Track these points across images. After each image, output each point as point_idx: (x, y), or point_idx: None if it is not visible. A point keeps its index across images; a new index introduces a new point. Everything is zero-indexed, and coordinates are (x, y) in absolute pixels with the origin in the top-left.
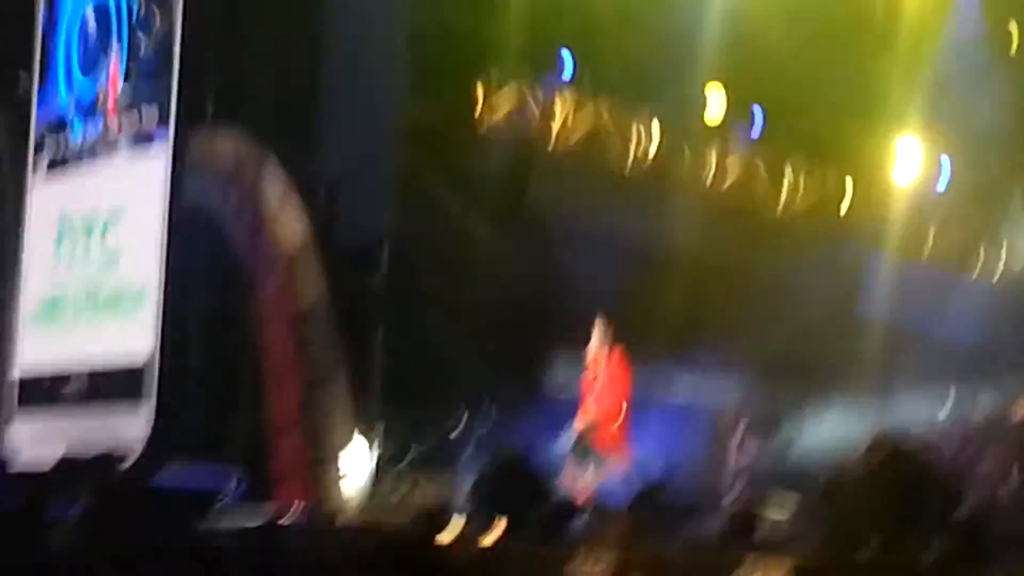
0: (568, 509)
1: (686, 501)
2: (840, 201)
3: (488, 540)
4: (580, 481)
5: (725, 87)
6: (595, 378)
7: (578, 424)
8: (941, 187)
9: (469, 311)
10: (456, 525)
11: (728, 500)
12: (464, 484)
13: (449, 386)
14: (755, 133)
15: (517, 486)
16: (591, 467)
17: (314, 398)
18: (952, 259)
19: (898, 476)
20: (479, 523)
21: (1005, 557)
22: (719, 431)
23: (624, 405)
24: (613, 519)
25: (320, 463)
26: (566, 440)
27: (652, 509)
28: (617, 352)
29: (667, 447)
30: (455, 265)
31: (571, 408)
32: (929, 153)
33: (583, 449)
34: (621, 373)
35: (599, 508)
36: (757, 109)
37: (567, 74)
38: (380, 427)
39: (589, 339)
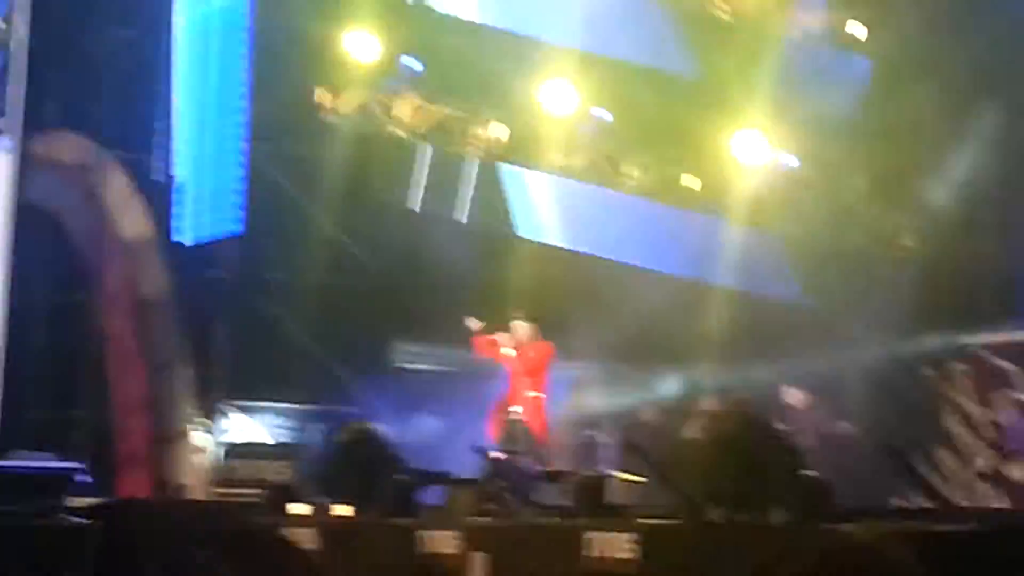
0: (417, 482)
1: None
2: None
3: (338, 513)
4: (510, 459)
5: (573, 86)
6: (518, 362)
7: (507, 407)
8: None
9: (314, 298)
10: (304, 500)
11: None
12: (311, 461)
13: (295, 369)
14: (600, 129)
15: (364, 461)
16: (520, 447)
17: (159, 383)
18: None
19: (744, 439)
20: (328, 498)
21: (849, 517)
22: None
23: (544, 388)
24: (466, 489)
25: (166, 444)
26: (502, 421)
27: (503, 479)
28: (539, 339)
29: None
30: (300, 256)
31: (432, 388)
32: (773, 145)
33: (514, 429)
34: (541, 357)
35: (451, 479)
36: (602, 109)
37: (411, 77)
38: (226, 408)
39: (438, 323)
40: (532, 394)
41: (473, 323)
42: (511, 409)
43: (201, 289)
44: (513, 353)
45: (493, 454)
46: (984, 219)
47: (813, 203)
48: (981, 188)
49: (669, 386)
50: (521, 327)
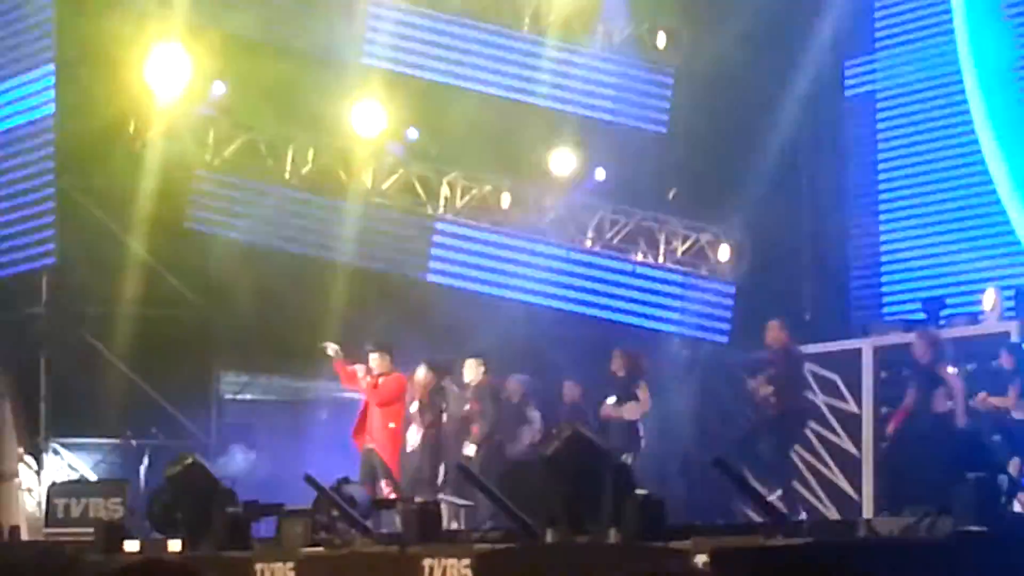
0: (253, 513)
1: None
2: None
3: (171, 548)
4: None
5: (381, 108)
6: (372, 392)
7: (366, 439)
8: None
9: (134, 329)
10: (137, 537)
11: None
12: (143, 496)
13: (120, 403)
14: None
15: (195, 494)
16: (381, 479)
17: None
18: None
19: (577, 460)
20: (161, 533)
21: (680, 534)
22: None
23: (398, 418)
24: (299, 520)
25: None
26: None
27: (339, 507)
28: (397, 374)
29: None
30: (117, 286)
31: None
32: (583, 155)
33: (372, 462)
34: (394, 388)
35: (286, 510)
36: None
37: (220, 102)
38: (52, 446)
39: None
40: (388, 424)
41: (330, 348)
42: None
43: (20, 325)
44: (365, 383)
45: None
46: (798, 232)
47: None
48: (794, 201)
49: None
50: (373, 359)
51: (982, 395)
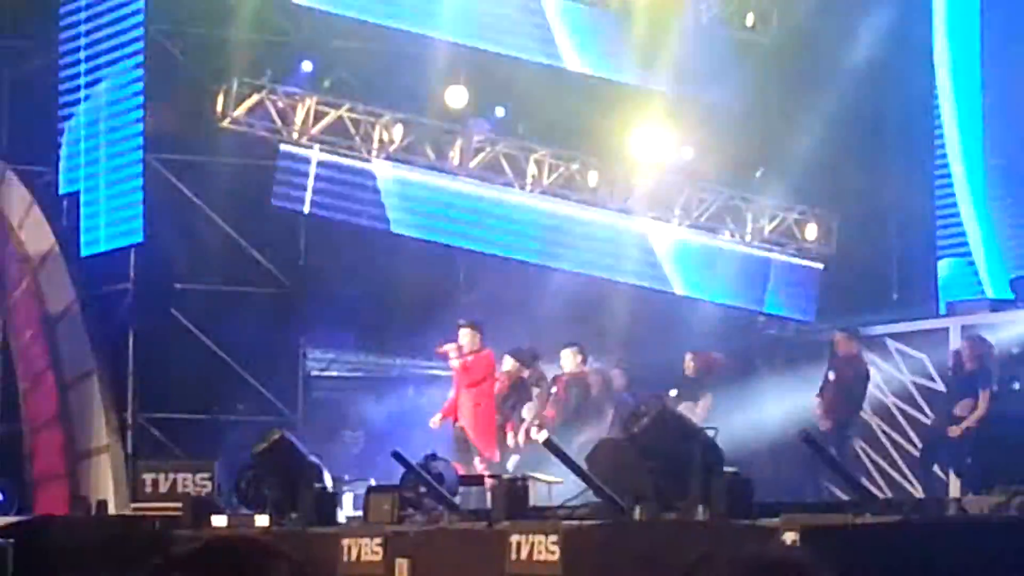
0: (339, 488)
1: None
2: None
3: (259, 524)
4: (461, 467)
5: (468, 86)
6: (464, 375)
7: (457, 418)
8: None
9: (220, 306)
10: (225, 512)
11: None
12: (230, 473)
13: (207, 380)
14: (497, 126)
15: (283, 470)
16: (475, 457)
17: (71, 398)
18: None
19: (665, 437)
20: (248, 509)
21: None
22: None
23: (486, 396)
24: (386, 496)
25: (83, 460)
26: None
27: (426, 483)
28: (486, 351)
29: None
30: (206, 265)
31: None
32: (672, 135)
33: (464, 439)
34: (482, 366)
35: (370, 486)
36: (500, 107)
37: (308, 78)
38: (140, 421)
39: (349, 327)
40: (477, 404)
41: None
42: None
43: (109, 301)
44: (457, 362)
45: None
46: (886, 211)
47: (714, 196)
48: (879, 181)
49: None
50: (463, 335)
51: None
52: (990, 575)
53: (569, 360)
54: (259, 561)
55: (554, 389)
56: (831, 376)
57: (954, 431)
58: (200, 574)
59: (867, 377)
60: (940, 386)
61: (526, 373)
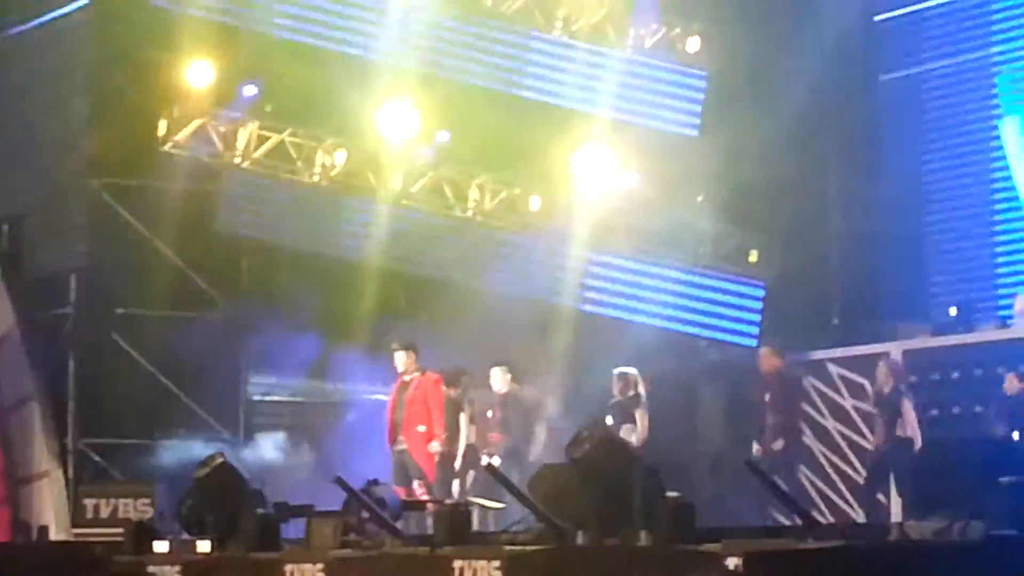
0: (282, 515)
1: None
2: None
3: (200, 549)
4: (403, 492)
5: (410, 111)
6: (409, 399)
7: (401, 442)
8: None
9: (162, 330)
10: (166, 537)
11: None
12: (171, 498)
13: (149, 405)
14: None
15: (224, 495)
16: (414, 480)
17: (12, 422)
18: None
19: (607, 462)
20: (190, 534)
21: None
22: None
23: (429, 419)
24: (328, 521)
25: (24, 485)
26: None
27: (369, 509)
28: (430, 375)
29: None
30: (146, 288)
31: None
32: (615, 160)
33: (405, 463)
34: (434, 393)
35: (312, 511)
36: (442, 131)
37: (248, 104)
38: (81, 446)
39: (291, 352)
40: (418, 426)
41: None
42: (398, 441)
43: (49, 326)
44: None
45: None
46: (828, 235)
47: (656, 221)
48: (823, 204)
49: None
50: (399, 357)
51: (1010, 376)
52: None
53: (499, 379)
54: None
55: (489, 413)
56: (767, 397)
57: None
58: None
59: (800, 383)
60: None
61: (453, 393)
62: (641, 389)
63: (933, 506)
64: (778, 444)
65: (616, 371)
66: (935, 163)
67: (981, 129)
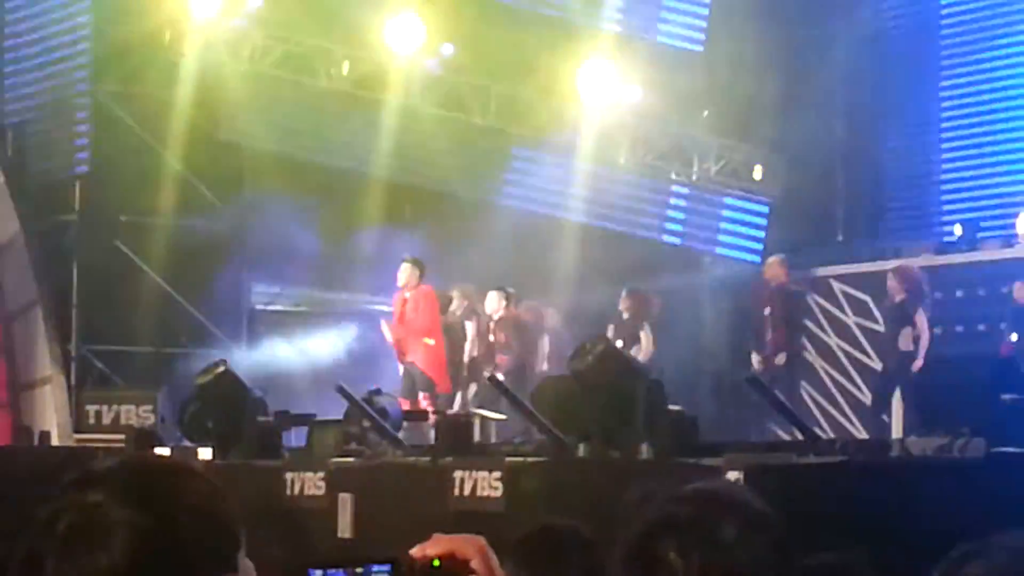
0: (284, 423)
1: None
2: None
3: (202, 456)
4: (413, 401)
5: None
6: (405, 305)
7: (405, 357)
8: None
9: (166, 238)
10: (168, 444)
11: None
12: (174, 405)
13: (152, 312)
14: (445, 64)
15: (226, 403)
16: (420, 391)
17: (15, 329)
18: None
19: (610, 375)
20: (191, 441)
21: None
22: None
23: (434, 332)
24: (329, 430)
25: (27, 391)
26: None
27: (370, 418)
28: (422, 287)
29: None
30: (151, 196)
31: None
32: (619, 74)
33: (412, 375)
34: (429, 305)
35: (313, 420)
36: (448, 44)
37: (255, 13)
38: (85, 352)
39: (294, 261)
40: (424, 339)
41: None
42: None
43: (53, 233)
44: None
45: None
46: (833, 152)
47: (659, 135)
48: (826, 121)
49: None
50: (403, 270)
51: (1019, 284)
52: (933, 516)
53: (493, 302)
54: (174, 479)
55: (492, 337)
56: (768, 311)
57: (917, 366)
58: (115, 490)
59: (802, 299)
60: (883, 328)
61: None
62: (652, 308)
63: (935, 423)
64: (780, 358)
65: (626, 289)
66: (945, 79)
67: (995, 47)
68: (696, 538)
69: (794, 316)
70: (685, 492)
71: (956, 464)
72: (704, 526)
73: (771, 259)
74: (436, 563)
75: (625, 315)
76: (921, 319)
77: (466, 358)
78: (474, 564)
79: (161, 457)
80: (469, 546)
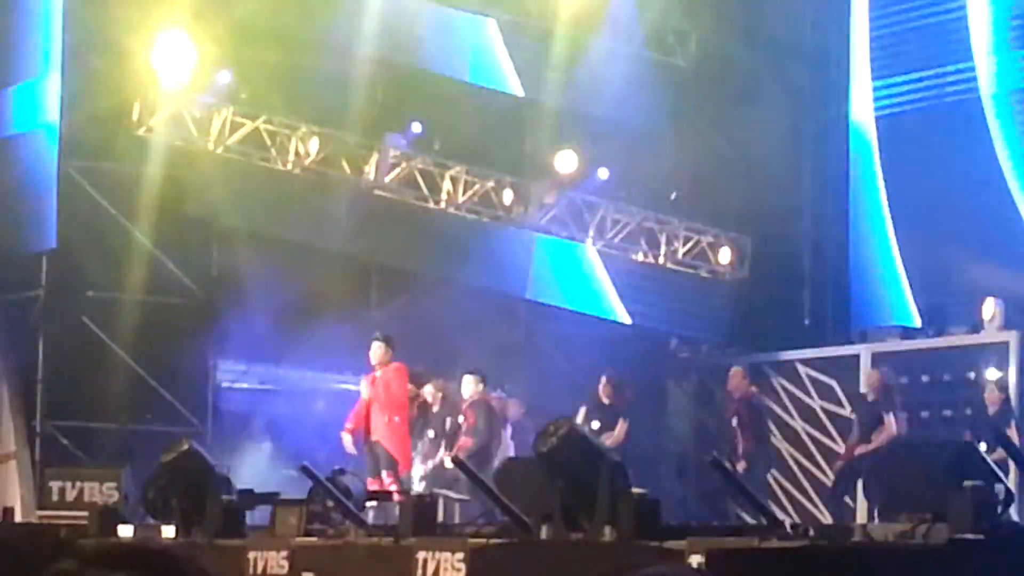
0: (247, 502)
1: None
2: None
3: (166, 534)
4: (375, 482)
5: (385, 101)
6: (376, 389)
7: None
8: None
9: (133, 315)
10: (131, 522)
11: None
12: (138, 483)
13: (118, 389)
14: (410, 142)
15: (190, 482)
16: (383, 469)
17: None
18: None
19: (573, 456)
20: (155, 519)
21: (676, 534)
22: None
23: (400, 410)
24: (293, 509)
25: None
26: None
27: (334, 498)
28: (397, 365)
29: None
30: (118, 272)
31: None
32: (588, 156)
33: (376, 454)
34: (400, 381)
35: (277, 499)
36: (416, 122)
37: (225, 91)
38: (49, 428)
39: (260, 339)
40: (393, 417)
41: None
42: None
43: (19, 307)
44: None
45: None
46: (800, 237)
47: (626, 216)
48: (793, 206)
49: None
50: (376, 347)
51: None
52: None
53: (470, 387)
54: (172, 564)
55: (461, 419)
56: (734, 422)
57: (870, 448)
58: (114, 571)
59: (764, 410)
60: (849, 412)
61: (418, 390)
62: (627, 394)
63: (898, 508)
64: (741, 465)
65: (606, 375)
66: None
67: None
68: None
69: (758, 426)
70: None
71: (918, 550)
72: None
73: (734, 370)
74: None
75: (606, 400)
76: (890, 420)
77: (440, 453)
78: None
79: (155, 543)
80: None
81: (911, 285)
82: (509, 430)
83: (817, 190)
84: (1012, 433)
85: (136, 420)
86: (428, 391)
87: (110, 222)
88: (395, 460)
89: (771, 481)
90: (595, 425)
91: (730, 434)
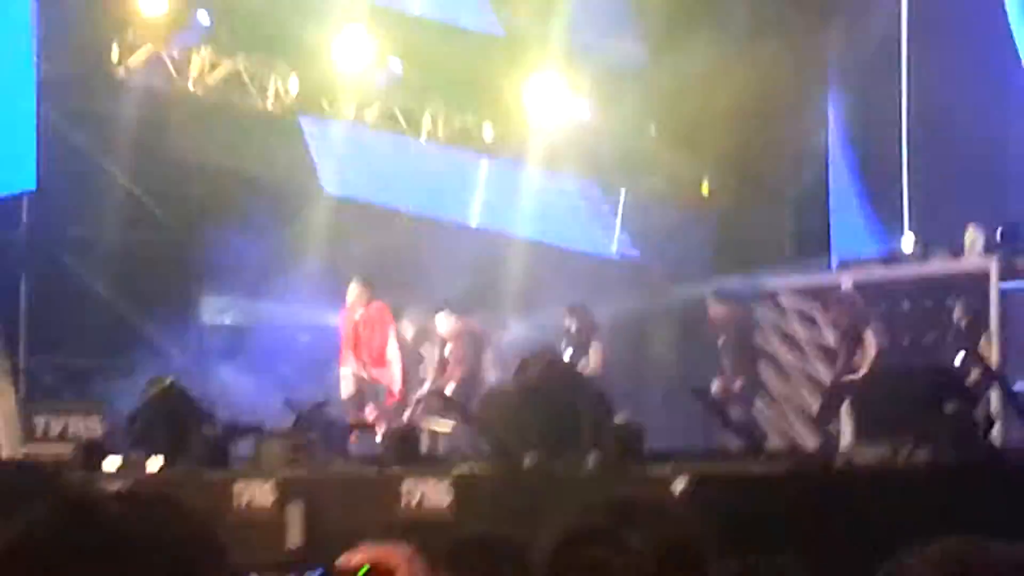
0: (232, 434)
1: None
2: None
3: (151, 467)
4: (362, 414)
5: (364, 39)
6: (357, 323)
7: (351, 368)
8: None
9: (114, 253)
10: (117, 456)
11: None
12: (121, 416)
13: (101, 326)
14: (393, 80)
15: (174, 415)
16: (370, 401)
17: None
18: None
19: (552, 386)
20: (142, 452)
21: (659, 460)
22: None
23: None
24: (277, 441)
25: None
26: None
27: (316, 429)
28: (376, 303)
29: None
30: (99, 212)
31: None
32: (568, 88)
33: (361, 389)
34: (380, 317)
35: (261, 430)
36: (395, 59)
37: (203, 31)
38: (32, 365)
39: (242, 275)
40: (373, 353)
41: None
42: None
43: (1, 247)
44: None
45: (302, 405)
46: (780, 168)
47: (609, 149)
48: (774, 135)
49: None
50: (352, 289)
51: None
52: (877, 525)
53: (444, 323)
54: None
55: (448, 350)
56: (720, 342)
57: (859, 375)
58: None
59: (751, 329)
60: (831, 341)
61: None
62: (595, 321)
63: (880, 433)
64: (736, 384)
65: (568, 305)
66: (891, 87)
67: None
68: (608, 545)
69: (745, 344)
70: (601, 501)
71: (899, 473)
72: (616, 533)
73: (708, 300)
74: (364, 570)
75: (572, 328)
76: (869, 337)
77: (428, 386)
78: (400, 572)
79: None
80: (396, 554)
81: (892, 212)
82: (490, 353)
83: (798, 116)
84: (990, 354)
85: (120, 356)
86: (404, 326)
87: (90, 162)
88: (385, 394)
89: (759, 411)
90: (568, 354)
91: (717, 359)
